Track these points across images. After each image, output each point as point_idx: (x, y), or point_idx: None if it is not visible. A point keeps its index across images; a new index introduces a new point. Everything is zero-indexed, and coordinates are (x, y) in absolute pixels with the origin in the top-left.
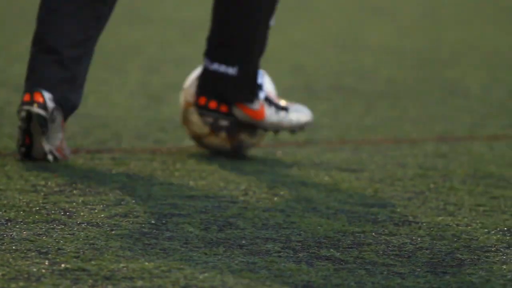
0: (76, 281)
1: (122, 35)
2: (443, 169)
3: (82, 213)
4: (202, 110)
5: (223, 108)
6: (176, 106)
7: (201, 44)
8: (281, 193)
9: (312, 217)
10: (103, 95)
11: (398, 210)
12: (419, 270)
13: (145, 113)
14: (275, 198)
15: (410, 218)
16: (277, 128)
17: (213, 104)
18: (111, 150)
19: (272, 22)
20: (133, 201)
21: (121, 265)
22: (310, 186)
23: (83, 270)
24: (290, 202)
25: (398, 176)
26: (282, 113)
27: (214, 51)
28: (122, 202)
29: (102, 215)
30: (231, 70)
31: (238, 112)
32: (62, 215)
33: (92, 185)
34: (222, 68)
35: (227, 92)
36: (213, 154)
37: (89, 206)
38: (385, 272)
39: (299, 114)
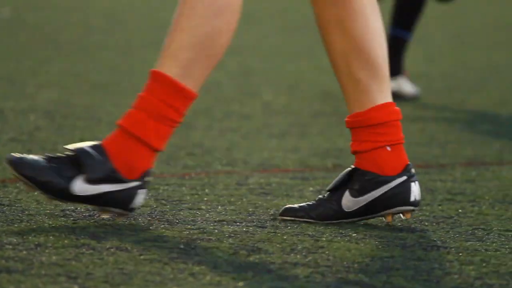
0: None
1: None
2: (471, 194)
3: (111, 238)
4: None
5: None
6: (204, 132)
7: (229, 69)
8: None
9: (341, 241)
10: None
11: (427, 235)
12: None
13: (174, 139)
14: (304, 223)
15: (439, 243)
16: None
17: None
18: None
19: None
20: (162, 226)
21: None
22: None
23: None
24: (318, 227)
25: (426, 201)
26: None
27: None
28: (151, 227)
29: (131, 240)
30: None
31: None
32: (91, 239)
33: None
34: None
35: None
36: (243, 179)
37: (118, 231)
38: None
39: None
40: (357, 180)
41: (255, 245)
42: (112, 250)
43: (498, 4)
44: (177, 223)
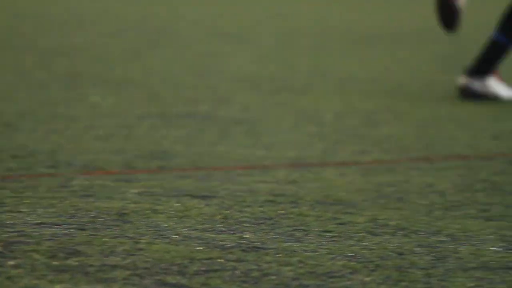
0: None
1: None
2: (293, 195)
3: None
4: None
5: None
6: (29, 134)
7: (56, 71)
8: (131, 219)
9: (160, 243)
10: None
11: (247, 236)
12: None
13: None
14: (125, 225)
15: (258, 244)
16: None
17: None
18: None
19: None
20: None
21: None
22: (160, 212)
23: None
24: (139, 229)
25: (247, 202)
26: None
27: None
28: None
29: None
30: None
31: None
32: None
33: None
34: None
35: None
36: (66, 181)
37: None
38: None
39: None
40: None
41: (74, 247)
42: None
43: (324, 7)
44: None
